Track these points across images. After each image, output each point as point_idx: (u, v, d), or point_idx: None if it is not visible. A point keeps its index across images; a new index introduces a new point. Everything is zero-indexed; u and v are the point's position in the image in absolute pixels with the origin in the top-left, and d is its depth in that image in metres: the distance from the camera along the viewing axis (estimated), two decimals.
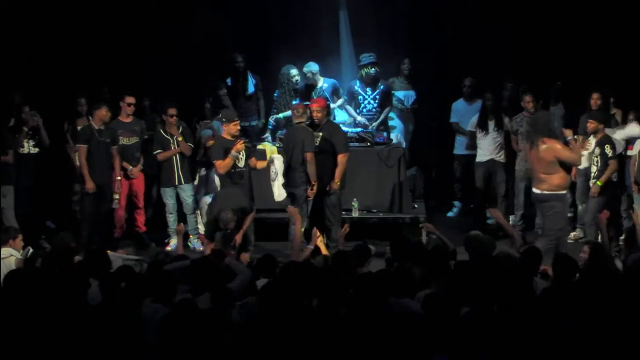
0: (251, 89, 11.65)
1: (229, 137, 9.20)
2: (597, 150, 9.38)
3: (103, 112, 9.95)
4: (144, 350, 5.07)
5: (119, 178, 10.08)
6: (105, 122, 9.98)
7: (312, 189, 9.27)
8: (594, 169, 9.43)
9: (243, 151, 9.17)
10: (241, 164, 9.18)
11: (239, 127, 9.30)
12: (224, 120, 9.36)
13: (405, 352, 4.82)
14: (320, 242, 7.63)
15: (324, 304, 5.46)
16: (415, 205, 10.69)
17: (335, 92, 10.85)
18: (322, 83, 10.87)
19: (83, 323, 5.25)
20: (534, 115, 9.69)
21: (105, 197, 9.93)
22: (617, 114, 10.20)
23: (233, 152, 9.05)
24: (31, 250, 8.02)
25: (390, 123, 11.20)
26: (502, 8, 11.63)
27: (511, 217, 10.50)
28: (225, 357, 4.87)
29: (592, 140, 9.47)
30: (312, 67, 10.82)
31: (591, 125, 9.47)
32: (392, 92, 11.18)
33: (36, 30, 11.40)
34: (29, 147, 10.16)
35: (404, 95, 11.56)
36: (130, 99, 10.29)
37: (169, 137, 10.16)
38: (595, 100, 9.87)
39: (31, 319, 5.29)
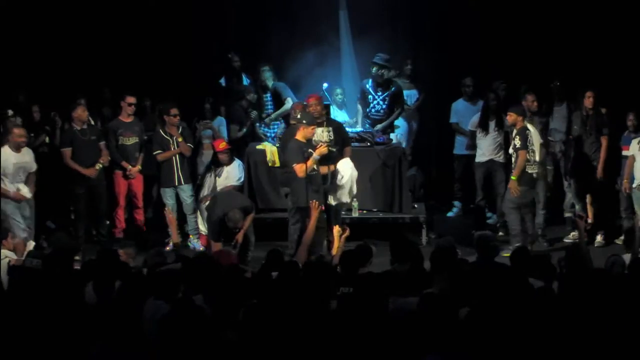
0: None
1: (303, 140, 8.98)
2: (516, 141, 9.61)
3: (79, 112, 10.02)
4: (144, 349, 5.08)
5: (108, 158, 10.15)
6: (85, 121, 10.04)
7: None
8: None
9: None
10: (317, 167, 9.09)
11: (313, 132, 9.10)
12: (304, 122, 9.03)
13: (400, 351, 4.82)
14: (337, 236, 7.54)
15: (316, 302, 5.47)
16: (415, 205, 10.69)
17: (276, 95, 10.95)
18: (270, 86, 11.07)
19: (82, 322, 5.26)
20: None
21: (98, 196, 9.98)
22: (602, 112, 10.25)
23: (316, 155, 8.92)
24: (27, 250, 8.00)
25: (395, 122, 11.19)
26: (502, 8, 11.63)
27: None
28: (225, 356, 4.88)
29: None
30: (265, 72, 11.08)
31: (510, 117, 9.67)
32: (403, 95, 11.13)
33: (37, 31, 11.43)
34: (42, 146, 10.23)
35: (406, 94, 11.56)
36: (131, 99, 10.29)
37: (168, 138, 10.16)
38: (589, 98, 9.89)
39: (32, 318, 5.30)
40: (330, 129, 9.50)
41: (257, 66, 11.35)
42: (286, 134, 9.71)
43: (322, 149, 8.90)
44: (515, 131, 9.61)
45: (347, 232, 7.71)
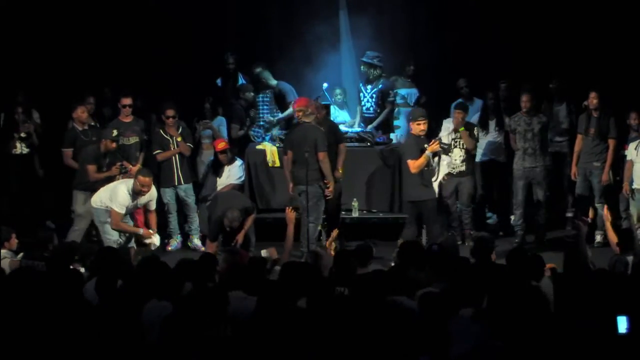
0: None
1: (418, 135, 9.30)
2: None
3: (78, 113, 10.03)
4: (143, 350, 5.08)
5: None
6: (85, 122, 10.06)
7: (328, 187, 9.33)
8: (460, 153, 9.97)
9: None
10: (433, 162, 9.38)
11: (422, 127, 9.33)
12: (410, 118, 9.41)
13: (397, 350, 4.82)
14: (330, 243, 7.60)
15: (315, 303, 5.47)
16: None
17: (281, 97, 10.94)
18: (274, 86, 11.11)
19: (82, 322, 5.25)
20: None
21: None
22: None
23: (428, 152, 9.15)
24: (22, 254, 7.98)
25: (396, 122, 11.19)
26: (503, 8, 11.63)
27: (512, 217, 10.48)
28: (225, 355, 4.88)
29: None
30: (263, 73, 11.14)
31: (460, 115, 10.00)
32: (391, 91, 11.10)
33: (37, 31, 11.41)
34: (21, 147, 10.18)
35: (406, 93, 11.56)
36: (125, 100, 10.25)
37: (168, 138, 10.16)
38: (592, 99, 9.91)
39: (31, 319, 5.30)
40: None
41: (251, 67, 11.33)
42: (295, 133, 9.66)
43: (434, 146, 9.17)
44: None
45: (335, 233, 7.83)
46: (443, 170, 9.88)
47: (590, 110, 9.97)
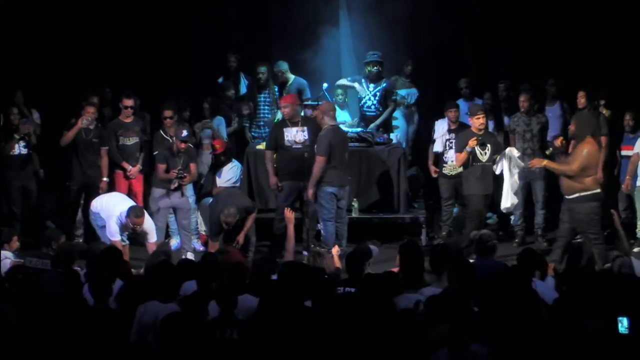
0: (243, 89, 11.64)
1: (476, 131, 9.37)
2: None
3: (86, 112, 9.98)
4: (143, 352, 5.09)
5: (105, 179, 10.11)
6: (90, 124, 10.01)
7: None
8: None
9: (488, 146, 9.36)
10: (484, 158, 9.35)
11: (482, 121, 9.38)
12: (468, 113, 9.56)
13: (406, 347, 4.83)
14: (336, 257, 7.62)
15: (321, 304, 5.47)
16: (415, 205, 10.69)
17: (299, 93, 10.87)
18: (291, 81, 11.03)
19: (80, 323, 5.27)
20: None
21: (95, 192, 9.96)
22: (606, 114, 10.24)
23: (467, 147, 9.25)
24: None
25: (394, 122, 11.19)
26: (502, 8, 11.64)
27: (512, 218, 10.48)
28: (227, 356, 4.89)
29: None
30: (282, 65, 11.01)
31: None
32: (395, 91, 11.10)
33: (38, 30, 11.44)
34: (19, 148, 10.17)
35: (406, 93, 11.56)
36: (127, 102, 10.23)
37: (168, 138, 10.15)
38: (579, 98, 9.91)
39: (31, 320, 5.31)
40: (305, 129, 9.52)
41: (255, 65, 11.32)
42: (336, 135, 9.50)
43: (472, 142, 9.24)
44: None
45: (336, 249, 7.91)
46: (505, 167, 9.62)
47: (578, 109, 9.97)
